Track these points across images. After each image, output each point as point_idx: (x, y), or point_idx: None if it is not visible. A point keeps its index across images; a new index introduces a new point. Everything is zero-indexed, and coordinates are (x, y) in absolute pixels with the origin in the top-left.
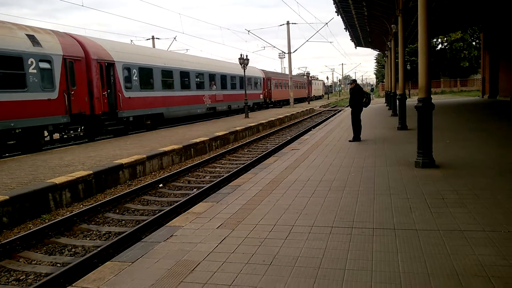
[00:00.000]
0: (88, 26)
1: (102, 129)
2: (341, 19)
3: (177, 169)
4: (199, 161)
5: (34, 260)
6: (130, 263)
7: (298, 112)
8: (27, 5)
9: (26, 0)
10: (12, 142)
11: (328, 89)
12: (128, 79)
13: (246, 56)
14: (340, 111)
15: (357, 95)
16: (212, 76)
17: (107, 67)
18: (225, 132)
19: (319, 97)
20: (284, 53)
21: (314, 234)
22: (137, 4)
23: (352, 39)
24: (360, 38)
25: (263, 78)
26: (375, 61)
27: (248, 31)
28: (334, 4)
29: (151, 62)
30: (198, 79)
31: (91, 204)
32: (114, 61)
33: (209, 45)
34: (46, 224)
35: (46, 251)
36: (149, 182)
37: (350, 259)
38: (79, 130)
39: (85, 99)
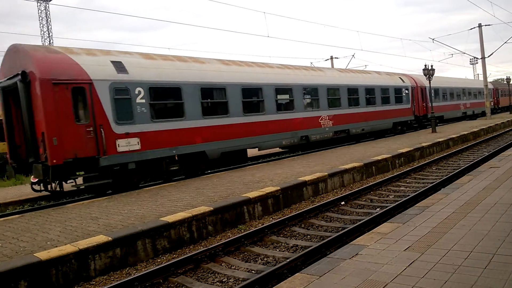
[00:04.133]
0: (272, 54)
1: (420, 124)
2: None
3: (359, 187)
4: (381, 179)
5: (233, 266)
6: (318, 277)
7: (497, 124)
8: (224, 39)
9: (225, 36)
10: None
11: None
12: (431, 95)
13: (431, 66)
14: None
15: None
16: (463, 90)
17: (423, 90)
18: (409, 149)
19: None
20: (477, 58)
21: None
22: (316, 27)
23: None
24: None
25: (493, 89)
26: None
27: (433, 39)
28: None
29: (437, 84)
30: (456, 92)
31: (279, 218)
32: (425, 86)
33: (388, 58)
34: (242, 234)
35: (243, 258)
36: (331, 199)
37: None
38: (415, 124)
39: (417, 108)
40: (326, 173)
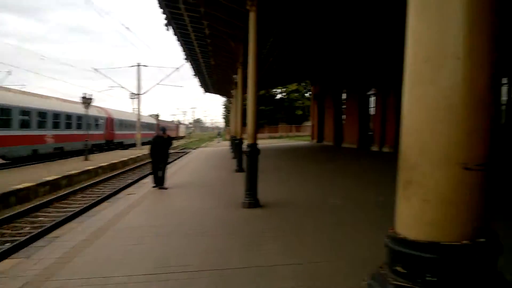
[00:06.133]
0: None
1: (109, 147)
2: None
3: None
4: (19, 210)
5: None
6: None
7: (144, 154)
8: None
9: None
10: None
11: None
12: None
13: (91, 95)
14: (187, 153)
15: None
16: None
17: (112, 120)
18: (56, 177)
19: (181, 137)
20: (134, 94)
21: (130, 284)
22: None
23: (201, 85)
24: (208, 85)
25: (157, 124)
26: (223, 106)
27: (96, 69)
28: (183, 51)
29: (122, 117)
30: (132, 124)
31: None
32: (114, 118)
33: (48, 81)
34: None
35: None
36: None
37: None
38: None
39: (108, 134)
40: None
